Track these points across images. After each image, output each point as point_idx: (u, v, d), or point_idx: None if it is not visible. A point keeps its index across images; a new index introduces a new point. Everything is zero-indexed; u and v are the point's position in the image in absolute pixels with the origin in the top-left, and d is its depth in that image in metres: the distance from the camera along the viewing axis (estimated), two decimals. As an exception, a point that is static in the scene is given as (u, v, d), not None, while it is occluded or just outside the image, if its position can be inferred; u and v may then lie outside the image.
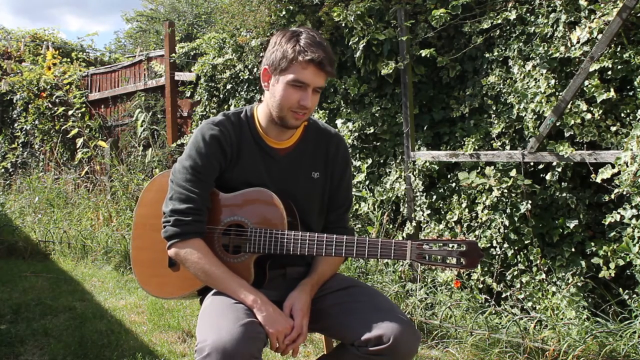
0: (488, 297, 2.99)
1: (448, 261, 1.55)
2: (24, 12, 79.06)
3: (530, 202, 2.93)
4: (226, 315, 1.49)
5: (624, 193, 2.60)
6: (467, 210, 3.23)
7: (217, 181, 1.71)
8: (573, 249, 2.86)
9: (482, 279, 3.16)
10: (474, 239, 3.16)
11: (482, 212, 3.12)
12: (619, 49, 2.71)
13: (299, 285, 1.67)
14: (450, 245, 1.55)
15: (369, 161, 3.81)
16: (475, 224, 3.22)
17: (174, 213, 1.63)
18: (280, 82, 1.63)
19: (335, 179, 1.81)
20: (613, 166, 2.65)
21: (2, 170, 7.71)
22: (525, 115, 3.03)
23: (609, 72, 2.72)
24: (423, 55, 3.34)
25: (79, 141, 6.12)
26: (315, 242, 1.61)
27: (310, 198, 1.77)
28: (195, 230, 1.63)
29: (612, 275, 2.69)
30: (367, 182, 3.83)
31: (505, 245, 3.07)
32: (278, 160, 1.73)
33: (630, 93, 2.73)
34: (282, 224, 1.64)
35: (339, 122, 3.93)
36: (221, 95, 5.03)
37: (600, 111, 2.77)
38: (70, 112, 6.49)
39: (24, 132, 7.61)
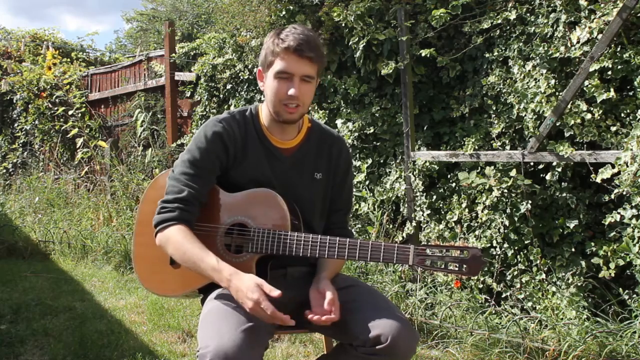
0: (488, 297, 2.99)
1: (450, 267, 1.55)
2: (21, 11, 79.01)
3: (530, 202, 2.93)
4: (228, 320, 1.49)
5: (624, 193, 2.60)
6: (467, 210, 3.23)
7: (222, 180, 1.71)
8: (573, 249, 2.86)
9: (482, 279, 3.16)
10: (476, 242, 3.16)
11: (482, 212, 3.12)
12: (619, 49, 2.71)
13: (323, 278, 1.67)
14: (453, 251, 1.55)
15: (369, 161, 3.81)
16: (475, 224, 3.22)
17: (161, 202, 1.65)
18: (269, 77, 1.66)
19: (337, 180, 1.82)
20: (613, 166, 2.65)
21: (3, 170, 7.71)
22: (525, 115, 3.03)
23: (609, 72, 2.72)
24: (423, 55, 3.34)
25: (79, 141, 6.12)
26: (318, 244, 1.61)
27: (313, 199, 1.77)
28: (178, 217, 1.61)
29: (612, 275, 2.69)
30: (367, 182, 3.83)
31: (505, 245, 3.07)
32: (282, 160, 1.74)
33: (630, 93, 2.73)
34: (285, 225, 1.64)
35: (339, 122, 3.93)
36: (221, 95, 5.03)
37: (600, 111, 2.76)
38: (70, 112, 6.49)
39: (24, 132, 7.61)
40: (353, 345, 1.56)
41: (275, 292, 1.47)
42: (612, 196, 2.65)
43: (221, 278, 1.53)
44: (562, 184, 2.91)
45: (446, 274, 3.26)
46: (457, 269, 1.54)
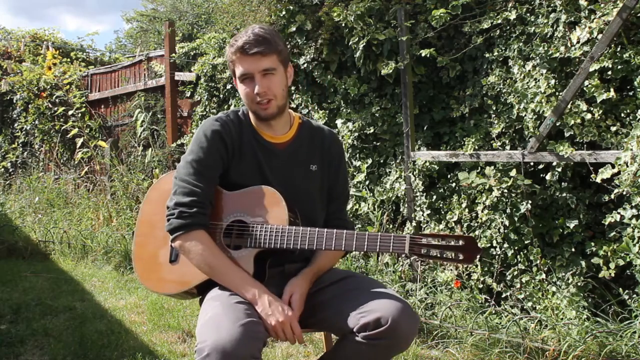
0: (488, 297, 2.99)
1: (446, 256, 1.56)
2: (21, 11, 78.95)
3: (530, 202, 2.93)
4: (226, 315, 1.50)
5: (624, 193, 2.60)
6: (467, 210, 3.23)
7: (222, 178, 1.74)
8: (573, 249, 2.86)
9: (482, 279, 3.16)
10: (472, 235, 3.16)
11: (482, 212, 3.12)
12: (619, 49, 2.71)
13: (301, 273, 1.71)
14: (449, 240, 1.57)
15: (369, 161, 3.81)
16: (475, 224, 3.22)
17: (178, 206, 1.66)
18: (238, 83, 1.72)
19: (332, 170, 1.86)
20: (613, 166, 2.65)
21: (2, 170, 7.71)
22: (525, 115, 3.03)
23: (609, 72, 2.72)
24: (423, 55, 3.34)
25: (79, 141, 6.11)
26: (315, 236, 1.64)
27: (311, 191, 1.81)
28: (199, 222, 1.66)
29: (612, 275, 2.69)
30: (367, 182, 3.83)
31: (505, 245, 3.07)
32: (277, 154, 1.78)
33: (630, 93, 2.73)
34: (282, 220, 1.67)
35: (339, 122, 3.93)
36: (221, 95, 5.04)
37: (600, 111, 2.76)
38: (70, 112, 6.49)
39: (24, 132, 7.61)
40: (354, 331, 1.56)
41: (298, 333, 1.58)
42: (612, 196, 2.64)
43: (251, 291, 1.59)
44: (562, 184, 2.91)
45: (444, 269, 3.26)
46: (453, 257, 1.56)
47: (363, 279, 1.74)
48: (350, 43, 3.66)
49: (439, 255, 1.57)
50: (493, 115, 3.24)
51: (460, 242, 1.56)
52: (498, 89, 3.20)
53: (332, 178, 1.86)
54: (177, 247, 1.69)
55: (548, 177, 2.93)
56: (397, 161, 3.69)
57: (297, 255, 1.76)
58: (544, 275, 2.92)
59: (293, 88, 4.29)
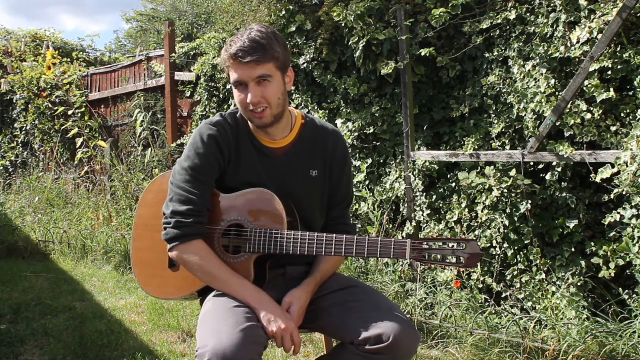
0: (488, 297, 2.99)
1: (448, 260, 1.55)
2: (19, 11, 78.78)
3: (530, 202, 2.93)
4: (226, 320, 1.49)
5: (624, 193, 2.60)
6: (467, 210, 3.23)
7: (218, 182, 1.71)
8: (573, 249, 2.86)
9: (482, 279, 3.16)
10: (474, 238, 3.16)
11: (482, 212, 3.12)
12: (619, 49, 2.71)
13: (303, 284, 1.68)
14: (450, 244, 1.55)
15: (369, 161, 3.81)
16: (475, 224, 3.22)
17: (175, 215, 1.63)
18: (232, 88, 1.67)
19: (334, 175, 1.81)
20: (613, 166, 2.65)
21: (2, 169, 7.71)
22: (525, 115, 3.03)
23: (609, 72, 2.72)
24: (423, 55, 3.34)
25: (79, 141, 6.12)
26: (315, 241, 1.62)
27: (310, 196, 1.77)
28: (196, 232, 1.63)
29: (612, 275, 2.69)
30: (367, 182, 3.83)
31: (505, 245, 3.07)
32: (275, 159, 1.73)
33: (630, 93, 2.73)
34: (281, 224, 1.65)
35: (339, 122, 3.93)
36: (221, 95, 5.03)
37: (600, 111, 2.76)
38: (70, 112, 6.49)
39: (24, 132, 7.61)
40: (354, 344, 1.56)
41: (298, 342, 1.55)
42: (612, 196, 2.64)
43: (253, 299, 1.57)
44: (562, 184, 2.91)
45: (443, 269, 3.26)
46: (455, 261, 1.55)
47: (367, 290, 1.71)
48: (350, 43, 3.66)
49: (440, 260, 1.56)
50: (493, 115, 3.24)
51: (462, 246, 1.54)
52: (498, 89, 3.20)
53: (334, 183, 1.81)
54: (174, 257, 1.66)
55: (548, 177, 2.93)
56: (397, 161, 3.69)
57: (298, 257, 1.73)
58: (544, 275, 2.92)
59: (293, 88, 4.29)
